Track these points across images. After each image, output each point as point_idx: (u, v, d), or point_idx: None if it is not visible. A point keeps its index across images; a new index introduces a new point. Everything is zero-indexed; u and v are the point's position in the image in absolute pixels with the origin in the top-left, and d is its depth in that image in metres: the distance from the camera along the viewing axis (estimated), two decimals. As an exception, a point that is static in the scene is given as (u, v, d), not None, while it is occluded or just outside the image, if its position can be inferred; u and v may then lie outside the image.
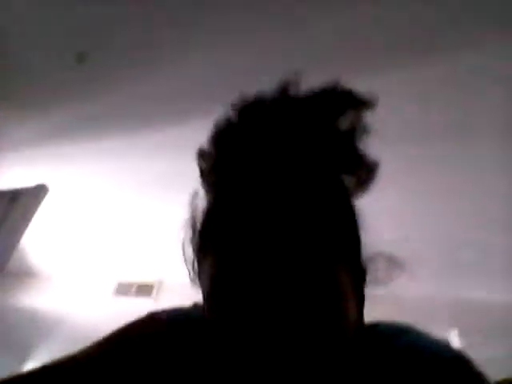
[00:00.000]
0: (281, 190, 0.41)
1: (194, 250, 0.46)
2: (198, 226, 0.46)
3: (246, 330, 0.37)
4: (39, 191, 2.17)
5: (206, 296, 0.41)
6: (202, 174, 0.50)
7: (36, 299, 3.01)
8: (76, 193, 2.59)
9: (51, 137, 2.34)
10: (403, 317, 0.55)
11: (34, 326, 2.83)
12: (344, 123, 0.46)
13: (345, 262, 0.41)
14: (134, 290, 3.20)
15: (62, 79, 2.04)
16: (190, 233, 0.47)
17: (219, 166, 0.48)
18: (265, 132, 0.45)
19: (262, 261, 0.37)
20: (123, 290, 3.22)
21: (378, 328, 0.48)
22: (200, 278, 0.44)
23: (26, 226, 2.04)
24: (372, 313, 0.49)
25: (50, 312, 2.87)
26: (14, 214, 2.04)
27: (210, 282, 0.40)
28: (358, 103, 0.47)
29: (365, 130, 0.47)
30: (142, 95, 1.99)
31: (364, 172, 0.47)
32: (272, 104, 0.47)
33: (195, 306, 0.55)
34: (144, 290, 3.18)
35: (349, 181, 0.47)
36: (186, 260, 0.47)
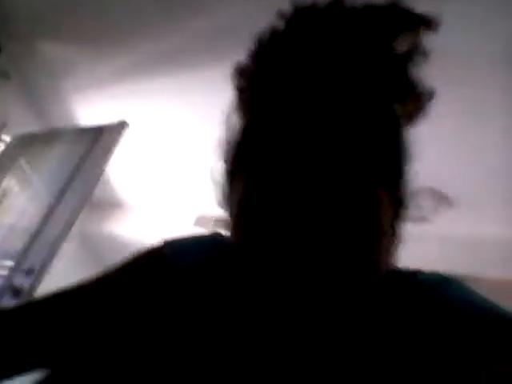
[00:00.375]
0: (321, 110, 0.37)
1: (225, 172, 0.44)
2: (231, 148, 0.43)
3: (273, 251, 0.35)
4: (120, 127, 2.27)
5: (235, 218, 0.40)
6: (239, 92, 0.46)
7: (120, 228, 3.29)
8: (157, 127, 2.67)
9: (130, 73, 2.40)
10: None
11: (119, 252, 3.11)
12: (401, 45, 0.41)
13: (388, 191, 0.37)
14: (212, 223, 3.33)
15: (139, 14, 2.03)
16: (222, 155, 0.45)
17: (257, 81, 0.43)
18: (311, 44, 0.40)
19: (295, 181, 0.35)
20: (202, 222, 3.36)
21: (417, 277, 0.44)
22: (229, 201, 0.43)
23: (108, 159, 2.17)
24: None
25: (134, 240, 3.14)
26: (97, 149, 2.17)
27: (239, 203, 0.39)
28: (419, 23, 0.41)
29: (424, 55, 0.41)
30: (219, 28, 1.94)
31: (417, 101, 0.43)
32: (324, 13, 0.41)
33: (216, 234, 0.54)
34: (221, 223, 3.28)
35: (401, 108, 0.42)
36: (215, 184, 0.46)
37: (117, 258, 0.55)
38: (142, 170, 3.11)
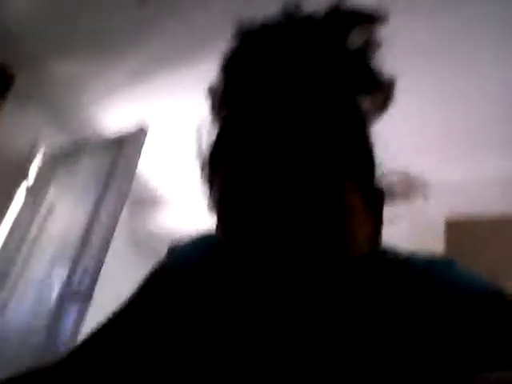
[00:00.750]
0: (288, 107, 0.40)
1: (205, 175, 0.47)
2: (209, 149, 0.47)
3: (251, 246, 0.39)
4: (140, 134, 2.35)
5: (217, 217, 0.44)
6: (213, 104, 0.49)
7: (163, 222, 3.43)
8: (181, 122, 2.71)
9: (144, 72, 2.45)
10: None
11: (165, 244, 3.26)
12: (354, 42, 0.44)
13: (354, 178, 0.41)
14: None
15: (141, 14, 2.09)
16: (200, 158, 0.48)
17: (229, 93, 0.47)
18: (272, 57, 0.44)
19: (266, 177, 0.38)
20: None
21: (407, 259, 0.46)
22: (212, 202, 0.45)
23: (134, 165, 2.28)
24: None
25: (176, 231, 3.24)
26: (122, 159, 2.28)
27: (218, 201, 0.42)
28: (365, 19, 0.44)
29: (377, 47, 0.44)
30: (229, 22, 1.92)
31: (380, 91, 0.45)
32: (277, 28, 0.45)
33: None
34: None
35: (365, 101, 0.45)
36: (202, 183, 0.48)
37: (164, 249, 0.59)
38: (176, 165, 3.19)
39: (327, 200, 0.38)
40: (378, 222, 0.45)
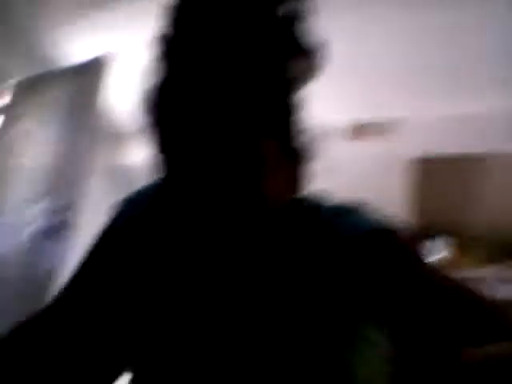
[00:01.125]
0: (218, 63, 0.44)
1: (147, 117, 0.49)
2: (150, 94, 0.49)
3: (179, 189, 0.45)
4: (98, 63, 2.24)
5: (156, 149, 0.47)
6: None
7: (136, 156, 3.38)
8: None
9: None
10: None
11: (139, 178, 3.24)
12: (283, 10, 0.46)
13: (273, 133, 0.44)
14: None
15: None
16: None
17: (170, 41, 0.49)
18: (211, 14, 0.46)
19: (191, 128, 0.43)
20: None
21: (321, 207, 0.51)
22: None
23: (97, 94, 2.22)
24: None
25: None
26: (83, 89, 2.19)
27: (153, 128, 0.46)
28: None
29: (307, 14, 0.47)
30: None
31: (307, 56, 0.48)
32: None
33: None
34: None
35: (293, 66, 0.47)
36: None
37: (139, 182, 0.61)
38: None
39: (245, 151, 0.43)
40: (298, 174, 0.49)
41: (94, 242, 0.58)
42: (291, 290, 0.47)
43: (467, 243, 2.82)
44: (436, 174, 2.67)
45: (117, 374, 0.54)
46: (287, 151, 0.47)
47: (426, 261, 0.47)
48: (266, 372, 0.45)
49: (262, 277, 0.47)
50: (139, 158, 3.42)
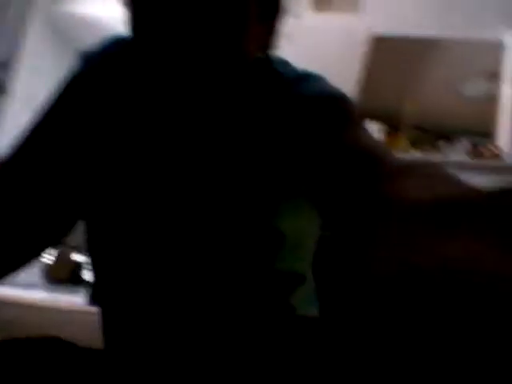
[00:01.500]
0: None
1: None
2: None
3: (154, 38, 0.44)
4: None
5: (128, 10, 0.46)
6: None
7: (81, 8, 2.99)
8: None
9: None
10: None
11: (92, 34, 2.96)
12: None
13: None
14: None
15: None
16: None
17: None
18: None
19: None
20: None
21: (286, 70, 0.52)
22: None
23: None
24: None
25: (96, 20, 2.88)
26: None
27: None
28: None
29: None
30: None
31: None
32: None
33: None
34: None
35: None
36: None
37: (89, 39, 0.57)
38: None
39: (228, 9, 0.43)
40: (270, 31, 0.50)
41: (56, 88, 0.56)
42: (239, 136, 0.50)
43: (398, 130, 2.94)
44: (388, 55, 2.64)
45: (69, 225, 0.57)
46: (263, 5, 0.47)
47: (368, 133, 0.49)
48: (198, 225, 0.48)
49: (216, 124, 0.50)
50: (87, 11, 3.06)
